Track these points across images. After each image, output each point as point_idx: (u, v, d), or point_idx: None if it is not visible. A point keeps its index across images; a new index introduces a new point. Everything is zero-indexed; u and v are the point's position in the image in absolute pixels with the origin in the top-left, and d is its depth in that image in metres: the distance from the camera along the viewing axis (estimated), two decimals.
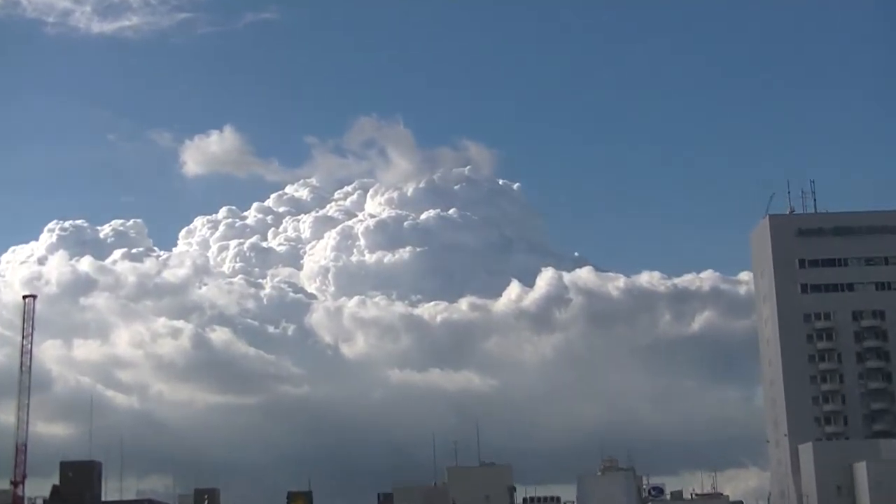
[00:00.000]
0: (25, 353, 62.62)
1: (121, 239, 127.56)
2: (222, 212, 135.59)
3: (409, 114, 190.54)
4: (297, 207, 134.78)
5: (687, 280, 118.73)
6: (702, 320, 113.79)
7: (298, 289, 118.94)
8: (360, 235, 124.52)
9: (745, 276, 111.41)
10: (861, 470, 67.28)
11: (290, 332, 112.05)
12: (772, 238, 78.38)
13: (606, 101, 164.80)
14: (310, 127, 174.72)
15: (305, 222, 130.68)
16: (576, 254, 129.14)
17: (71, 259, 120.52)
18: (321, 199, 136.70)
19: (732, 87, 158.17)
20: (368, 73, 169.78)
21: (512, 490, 69.83)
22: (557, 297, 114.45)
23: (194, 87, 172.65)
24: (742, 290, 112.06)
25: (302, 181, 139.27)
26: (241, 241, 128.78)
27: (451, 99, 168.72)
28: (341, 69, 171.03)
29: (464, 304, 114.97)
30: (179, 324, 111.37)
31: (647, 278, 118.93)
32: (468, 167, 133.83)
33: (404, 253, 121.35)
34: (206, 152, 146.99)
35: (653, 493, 71.76)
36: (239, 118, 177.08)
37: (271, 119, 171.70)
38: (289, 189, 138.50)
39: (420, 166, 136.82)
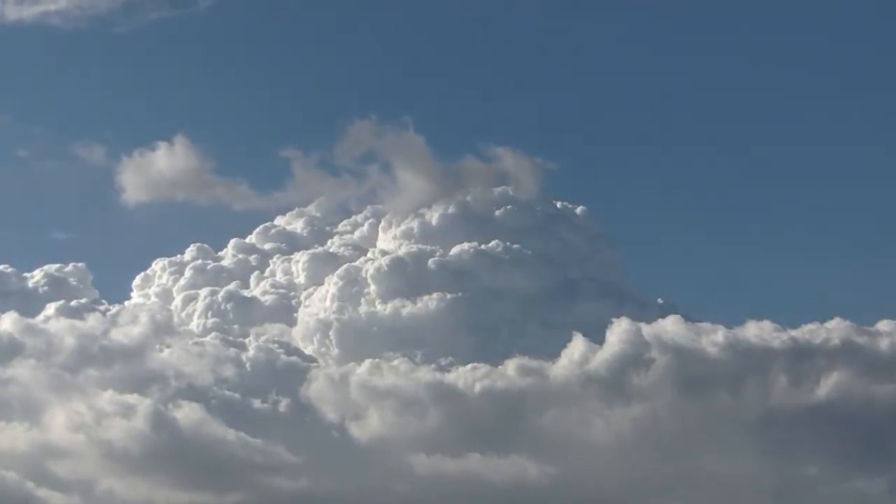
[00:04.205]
0: None
1: (56, 289, 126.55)
2: (189, 252, 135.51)
3: (420, 114, 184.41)
4: (289, 243, 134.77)
5: (809, 332, 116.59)
6: (830, 385, 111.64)
7: (292, 350, 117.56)
8: (369, 279, 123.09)
9: (886, 325, 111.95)
10: None
11: (281, 408, 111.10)
12: None
13: (700, 93, 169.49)
14: (288, 135, 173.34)
15: (299, 263, 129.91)
16: (659, 300, 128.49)
17: None
18: (318, 233, 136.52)
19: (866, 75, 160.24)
20: (363, 63, 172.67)
21: None
22: (636, 356, 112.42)
23: (136, 85, 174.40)
24: (884, 343, 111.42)
25: (297, 210, 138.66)
26: (215, 289, 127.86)
27: (473, 92, 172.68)
28: (327, 59, 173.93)
29: (511, 367, 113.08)
30: (134, 399, 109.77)
31: (756, 330, 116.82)
32: (511, 186, 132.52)
33: (430, 301, 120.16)
34: (150, 172, 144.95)
35: None
36: (194, 126, 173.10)
37: (237, 126, 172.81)
38: (279, 221, 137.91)
39: (440, 185, 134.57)
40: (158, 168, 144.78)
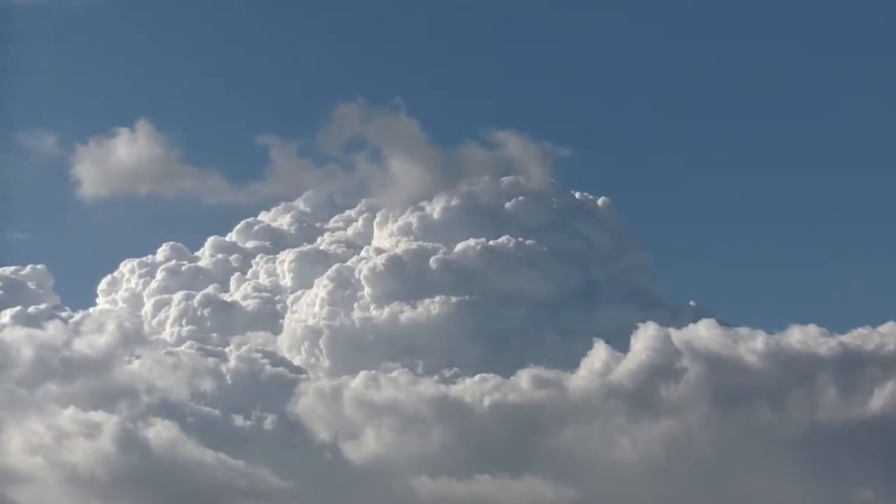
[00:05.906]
0: None
1: (13, 293, 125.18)
2: (162, 251, 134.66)
3: (412, 96, 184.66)
4: (274, 241, 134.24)
5: (859, 337, 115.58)
6: (884, 397, 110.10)
7: (278, 361, 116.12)
8: (363, 281, 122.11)
9: None
10: None
11: (266, 426, 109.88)
12: None
13: (732, 70, 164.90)
14: (265, 120, 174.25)
15: (284, 263, 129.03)
16: (692, 302, 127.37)
17: None
18: (306, 229, 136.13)
19: None
20: (348, 40, 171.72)
21: None
22: (665, 365, 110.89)
23: (92, 64, 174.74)
24: None
25: (282, 204, 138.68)
26: (191, 292, 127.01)
27: (471, 71, 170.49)
28: (308, 35, 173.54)
29: (525, 378, 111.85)
30: (99, 417, 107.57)
31: (800, 336, 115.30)
32: (522, 176, 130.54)
33: (432, 305, 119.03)
34: (109, 162, 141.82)
35: None
36: (159, 109, 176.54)
37: (207, 110, 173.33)
38: (263, 216, 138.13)
39: (438, 175, 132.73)
40: (118, 157, 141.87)
